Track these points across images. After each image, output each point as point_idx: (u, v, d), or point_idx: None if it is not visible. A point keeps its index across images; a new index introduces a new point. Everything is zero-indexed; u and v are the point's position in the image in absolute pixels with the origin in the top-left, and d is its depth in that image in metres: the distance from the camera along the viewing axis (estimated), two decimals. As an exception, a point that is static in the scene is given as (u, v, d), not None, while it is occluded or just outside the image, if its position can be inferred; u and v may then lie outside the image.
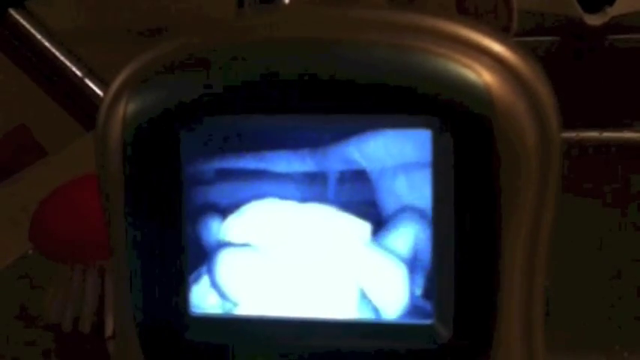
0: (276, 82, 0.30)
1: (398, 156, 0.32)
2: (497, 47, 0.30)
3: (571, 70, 0.85)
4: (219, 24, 0.32)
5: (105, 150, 0.32)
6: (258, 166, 0.32)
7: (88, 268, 0.49)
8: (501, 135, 0.29)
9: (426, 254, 0.32)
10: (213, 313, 0.33)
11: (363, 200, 0.32)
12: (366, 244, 0.32)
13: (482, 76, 0.29)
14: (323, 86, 0.30)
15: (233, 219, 0.33)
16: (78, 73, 0.60)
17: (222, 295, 0.33)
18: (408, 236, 0.32)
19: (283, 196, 0.33)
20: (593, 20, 0.89)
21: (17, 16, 0.59)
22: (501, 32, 0.32)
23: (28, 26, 0.60)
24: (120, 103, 0.31)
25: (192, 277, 0.33)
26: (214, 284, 0.33)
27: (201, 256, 0.33)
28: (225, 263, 0.33)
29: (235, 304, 0.33)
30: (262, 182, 0.32)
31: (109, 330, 0.49)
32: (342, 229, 0.32)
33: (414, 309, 0.32)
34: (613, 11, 0.89)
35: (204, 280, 0.33)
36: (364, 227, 0.32)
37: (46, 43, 0.60)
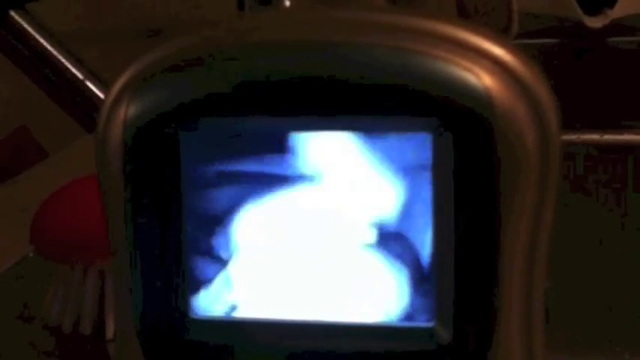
0: (275, 84, 0.30)
1: (398, 158, 0.32)
2: (497, 50, 0.30)
3: (571, 72, 0.85)
4: (220, 25, 0.32)
5: (105, 151, 0.32)
6: (259, 169, 0.32)
7: (88, 269, 0.49)
8: (501, 137, 0.29)
9: (426, 256, 0.32)
10: (213, 315, 0.33)
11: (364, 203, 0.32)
12: (367, 246, 0.32)
13: (482, 78, 0.29)
14: (323, 89, 0.30)
15: (233, 221, 0.33)
16: (78, 74, 0.60)
17: (223, 296, 0.33)
18: (409, 238, 0.32)
19: (284, 199, 0.33)
20: (594, 22, 0.89)
21: (18, 18, 0.59)
22: (501, 34, 0.32)
23: (28, 28, 0.60)
24: (120, 105, 0.31)
25: (192, 278, 0.33)
26: (215, 286, 0.33)
27: (202, 257, 0.33)
28: (225, 265, 0.33)
29: (236, 306, 0.33)
30: (262, 184, 0.32)
31: (109, 332, 0.49)
32: (342, 231, 0.32)
33: (414, 311, 0.32)
34: (613, 13, 0.89)
35: (205, 281, 0.33)
36: (365, 229, 0.32)
37: (47, 45, 0.60)
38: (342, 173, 0.32)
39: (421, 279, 0.32)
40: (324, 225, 0.32)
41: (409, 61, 0.29)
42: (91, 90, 0.59)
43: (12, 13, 0.59)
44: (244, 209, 0.33)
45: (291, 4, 0.56)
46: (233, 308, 0.33)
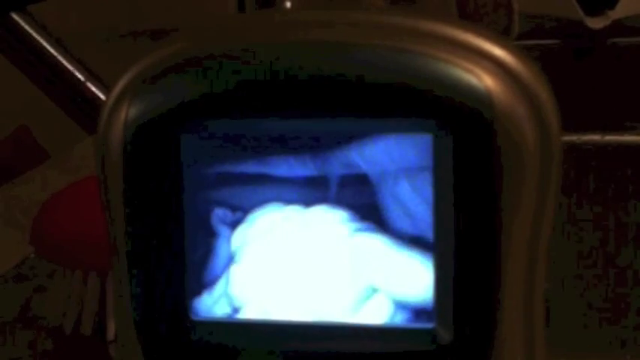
0: (276, 84, 0.30)
1: (399, 160, 0.32)
2: (497, 51, 0.30)
3: (572, 73, 0.85)
4: (221, 26, 0.32)
5: (106, 153, 0.32)
6: (260, 170, 0.32)
7: (89, 271, 0.49)
8: (502, 138, 0.29)
9: (427, 257, 0.32)
10: (215, 317, 0.33)
11: (365, 204, 0.32)
12: (368, 247, 0.32)
13: (483, 79, 0.29)
14: (324, 89, 0.30)
15: (235, 223, 0.33)
16: (79, 76, 0.60)
17: (225, 298, 0.33)
18: (410, 239, 0.32)
19: (285, 201, 0.33)
20: (595, 23, 0.89)
21: (19, 19, 0.59)
22: (502, 35, 0.32)
23: (29, 29, 0.60)
24: (121, 106, 0.31)
25: (193, 279, 0.33)
26: (217, 287, 0.33)
27: (203, 258, 0.33)
28: (227, 266, 0.33)
29: (238, 308, 0.33)
30: (264, 186, 0.32)
31: (110, 333, 0.49)
32: (343, 233, 0.32)
33: (414, 312, 0.32)
34: (614, 14, 0.89)
35: (206, 282, 0.33)
36: (365, 230, 0.32)
37: (48, 46, 0.60)
38: (344, 177, 0.32)
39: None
40: (326, 227, 0.32)
41: (410, 62, 0.29)
42: (91, 91, 0.59)
43: (13, 14, 0.59)
44: (244, 210, 0.33)
45: (292, 5, 0.56)
46: (234, 309, 0.33)
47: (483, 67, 0.29)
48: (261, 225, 0.33)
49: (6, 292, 0.56)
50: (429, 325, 0.31)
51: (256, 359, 0.32)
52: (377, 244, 0.32)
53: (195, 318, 0.33)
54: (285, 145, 0.32)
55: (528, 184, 0.30)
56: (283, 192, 0.32)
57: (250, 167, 0.32)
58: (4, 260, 0.59)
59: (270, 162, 0.32)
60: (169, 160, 0.31)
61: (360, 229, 0.32)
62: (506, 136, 0.29)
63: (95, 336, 0.49)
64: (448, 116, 0.29)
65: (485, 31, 0.30)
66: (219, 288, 0.33)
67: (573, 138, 0.67)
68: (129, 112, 0.31)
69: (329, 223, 0.32)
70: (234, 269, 0.33)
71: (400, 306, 0.32)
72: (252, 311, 0.33)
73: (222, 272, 0.33)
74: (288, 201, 0.33)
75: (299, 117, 0.31)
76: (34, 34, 0.60)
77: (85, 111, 0.59)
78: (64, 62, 0.60)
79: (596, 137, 0.68)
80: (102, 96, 0.60)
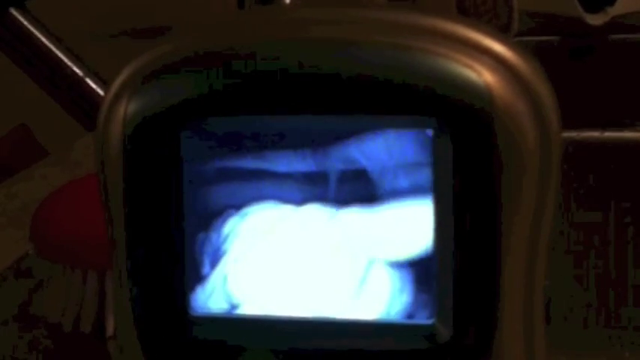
0: (276, 82, 0.30)
1: (398, 156, 0.32)
2: (497, 47, 0.30)
3: (571, 69, 0.85)
4: (220, 23, 0.32)
5: (105, 149, 0.32)
6: (259, 166, 0.32)
7: (88, 268, 0.49)
8: (502, 135, 0.29)
9: (427, 254, 0.32)
10: (214, 313, 0.33)
11: (364, 200, 0.32)
12: (367, 244, 0.32)
13: (483, 76, 0.29)
14: (323, 86, 0.30)
15: (234, 219, 0.33)
16: (78, 72, 0.59)
17: (224, 294, 0.33)
18: (409, 236, 0.32)
19: (284, 197, 0.32)
20: (594, 20, 0.89)
21: (17, 16, 0.59)
22: (501, 32, 0.32)
23: (28, 25, 0.60)
24: (120, 103, 0.31)
25: (192, 275, 0.33)
26: (215, 284, 0.33)
27: (203, 255, 0.33)
28: (226, 263, 0.33)
29: (237, 304, 0.33)
30: (263, 182, 0.32)
31: (109, 330, 0.49)
32: (342, 229, 0.32)
33: (414, 309, 0.32)
34: (614, 11, 0.89)
35: (205, 279, 0.33)
36: (365, 227, 0.32)
37: (47, 43, 0.60)
38: (343, 172, 0.32)
39: (422, 277, 0.32)
40: (326, 223, 0.32)
41: (409, 59, 0.29)
42: (91, 88, 0.59)
43: (11, 10, 0.59)
44: (244, 207, 0.33)
45: (291, 3, 0.56)
46: (233, 305, 0.33)
47: (483, 64, 0.29)
48: (258, 221, 0.33)
49: (5, 289, 0.56)
50: (429, 323, 0.31)
51: (254, 354, 0.32)
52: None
53: (193, 314, 0.33)
54: (284, 142, 0.32)
55: (528, 180, 0.30)
56: (283, 188, 0.32)
57: (249, 163, 0.32)
58: (3, 258, 0.59)
59: (269, 158, 0.32)
60: (168, 157, 0.31)
61: (356, 227, 0.32)
62: (506, 132, 0.29)
63: (95, 333, 0.49)
64: (448, 112, 0.29)
65: (485, 27, 0.30)
66: (217, 284, 0.33)
67: (573, 134, 0.67)
68: (128, 108, 0.31)
69: (328, 219, 0.32)
70: (232, 265, 0.33)
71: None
72: (251, 307, 0.33)
73: (220, 268, 0.33)
74: (288, 197, 0.32)
75: (298, 113, 0.31)
76: (33, 30, 0.60)
77: (84, 108, 0.59)
78: (63, 58, 0.60)
79: (595, 134, 0.68)
80: (101, 92, 0.60)
